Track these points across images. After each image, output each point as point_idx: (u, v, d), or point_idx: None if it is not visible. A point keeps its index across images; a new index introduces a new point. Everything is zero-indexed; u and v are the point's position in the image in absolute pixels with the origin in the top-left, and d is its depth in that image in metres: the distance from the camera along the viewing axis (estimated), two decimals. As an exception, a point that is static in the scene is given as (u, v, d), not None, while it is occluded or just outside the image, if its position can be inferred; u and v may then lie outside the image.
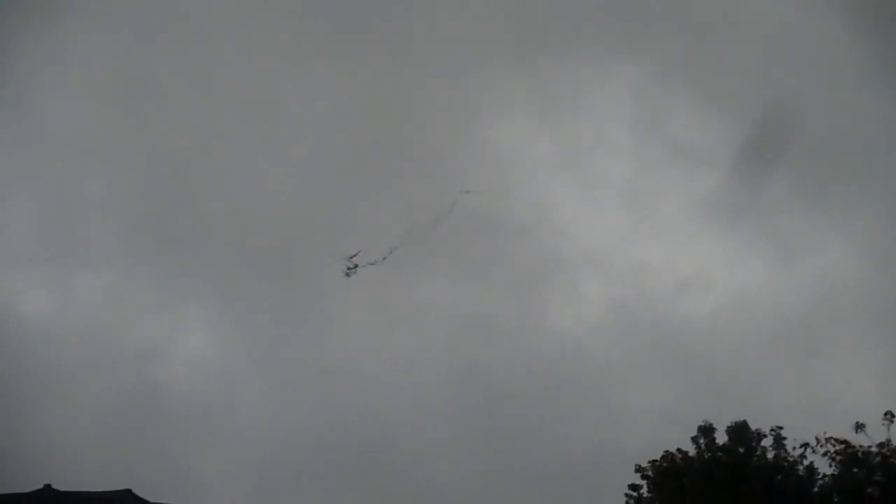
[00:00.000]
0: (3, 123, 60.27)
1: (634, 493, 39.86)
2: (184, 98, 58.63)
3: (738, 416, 39.55)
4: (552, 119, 62.92)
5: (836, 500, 36.80)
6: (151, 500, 32.27)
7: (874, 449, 37.33)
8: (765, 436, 38.92)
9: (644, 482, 39.67)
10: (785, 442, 38.04)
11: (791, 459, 38.04)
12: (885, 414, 37.57)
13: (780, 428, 38.13)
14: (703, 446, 39.29)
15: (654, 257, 62.45)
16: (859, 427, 37.98)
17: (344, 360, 55.61)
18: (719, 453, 38.94)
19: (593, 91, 62.00)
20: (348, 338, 56.24)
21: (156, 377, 52.43)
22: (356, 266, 35.66)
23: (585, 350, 56.69)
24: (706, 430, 39.38)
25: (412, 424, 54.50)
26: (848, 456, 37.25)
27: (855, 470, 37.28)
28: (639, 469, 39.78)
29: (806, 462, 37.82)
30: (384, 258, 35.84)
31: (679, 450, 39.35)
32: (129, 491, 31.88)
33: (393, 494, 51.56)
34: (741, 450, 38.84)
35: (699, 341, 54.44)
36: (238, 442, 52.56)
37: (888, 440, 37.56)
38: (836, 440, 37.86)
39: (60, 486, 31.97)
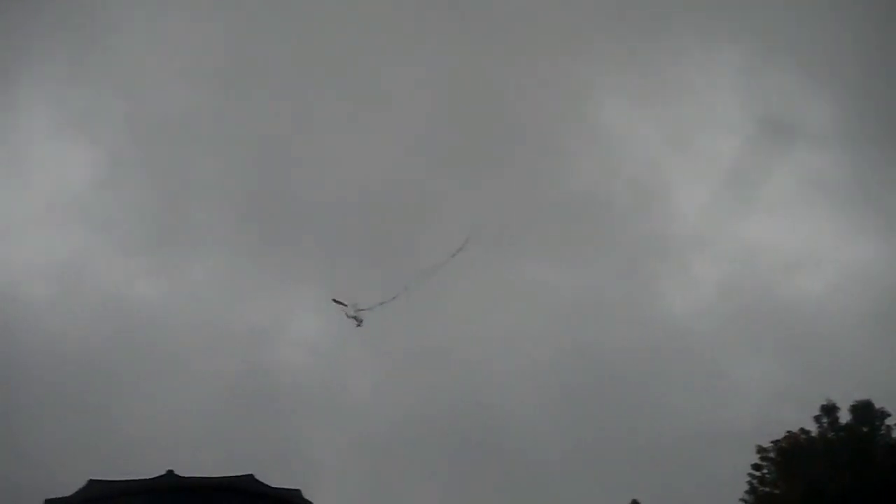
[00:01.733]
0: (112, 111, 60.83)
1: (757, 474, 39.56)
2: (289, 82, 58.80)
3: (853, 396, 39.24)
4: (658, 99, 62.40)
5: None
6: (272, 485, 32.27)
7: None
8: (889, 415, 38.40)
9: (765, 463, 39.46)
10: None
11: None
12: None
13: (918, 402, 37.56)
14: (825, 426, 38.90)
15: (763, 236, 61.69)
16: None
17: (452, 342, 55.60)
18: (842, 433, 38.55)
19: (699, 70, 61.38)
20: (456, 319, 56.22)
21: (268, 361, 52.79)
22: (360, 316, 34.61)
23: (694, 330, 56.25)
24: (829, 410, 38.92)
25: (520, 405, 54.38)
26: None
27: None
28: (760, 450, 39.41)
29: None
30: (393, 297, 34.78)
31: (802, 429, 39.03)
32: (251, 476, 31.78)
33: (502, 474, 51.49)
34: (864, 429, 38.39)
35: (810, 320, 53.74)
36: (350, 424, 52.73)
37: None
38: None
39: (182, 471, 32.07)
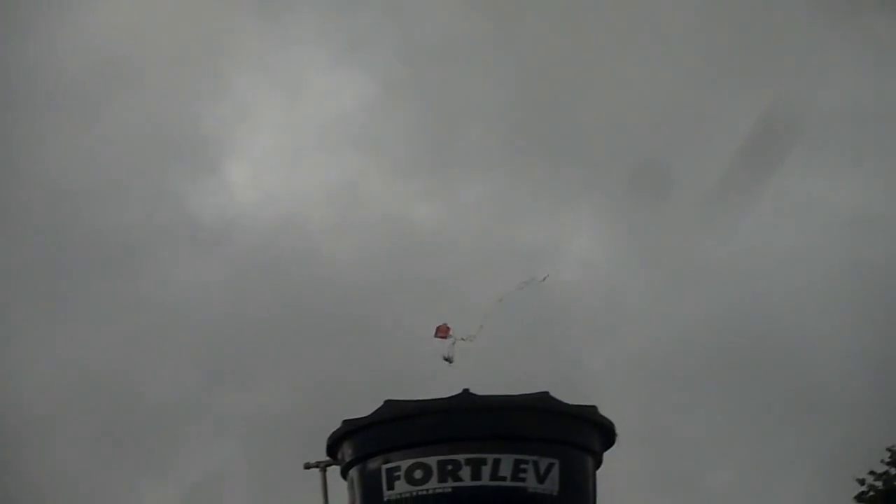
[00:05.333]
0: (383, 35, 61.45)
1: None
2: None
3: None
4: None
5: None
6: (568, 402, 32.12)
7: None
8: None
9: None
10: None
11: None
12: None
13: None
14: None
15: None
16: None
17: (727, 256, 54.95)
18: None
19: None
20: (731, 233, 55.51)
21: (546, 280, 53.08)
22: (451, 357, 33.82)
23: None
24: None
25: (797, 321, 53.47)
26: None
27: None
28: None
29: None
30: (478, 332, 33.94)
31: None
32: (546, 393, 31.66)
33: (776, 391, 50.82)
34: None
35: None
36: (627, 340, 52.63)
37: None
38: None
39: (477, 391, 32.26)
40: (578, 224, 55.98)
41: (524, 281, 34.72)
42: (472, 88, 59.34)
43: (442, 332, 33.82)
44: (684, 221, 53.54)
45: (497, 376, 35.56)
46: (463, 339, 34.06)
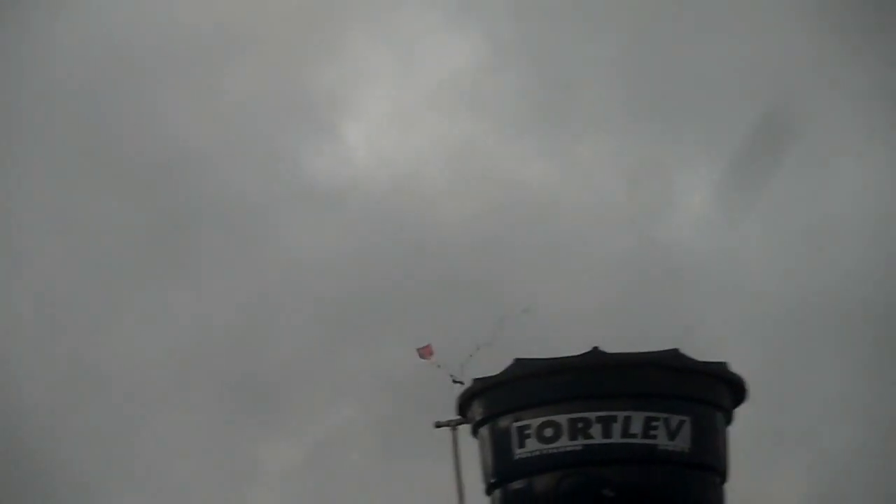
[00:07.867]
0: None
1: None
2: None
3: None
4: None
5: None
6: (698, 359, 31.82)
7: None
8: None
9: None
10: None
11: None
12: None
13: None
14: None
15: None
16: None
17: (847, 215, 54.31)
18: None
19: None
20: (851, 190, 54.86)
21: (660, 238, 53.06)
22: (459, 378, 33.40)
23: None
24: None
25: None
26: None
27: None
28: None
29: None
30: (471, 355, 33.48)
31: None
32: (676, 350, 31.44)
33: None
34: None
35: None
36: (746, 299, 52.20)
37: None
38: None
39: (606, 348, 32.11)
40: (696, 182, 55.59)
41: (508, 315, 34.30)
42: (585, 46, 59.02)
43: (426, 353, 33.68)
44: (806, 178, 52.92)
45: (623, 334, 35.45)
46: (472, 355, 33.77)
